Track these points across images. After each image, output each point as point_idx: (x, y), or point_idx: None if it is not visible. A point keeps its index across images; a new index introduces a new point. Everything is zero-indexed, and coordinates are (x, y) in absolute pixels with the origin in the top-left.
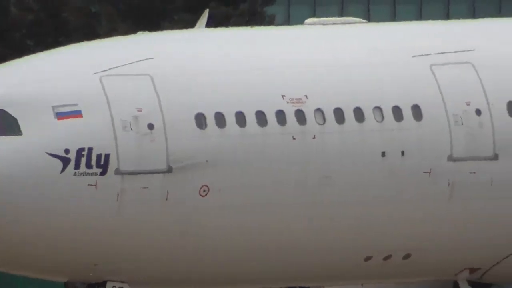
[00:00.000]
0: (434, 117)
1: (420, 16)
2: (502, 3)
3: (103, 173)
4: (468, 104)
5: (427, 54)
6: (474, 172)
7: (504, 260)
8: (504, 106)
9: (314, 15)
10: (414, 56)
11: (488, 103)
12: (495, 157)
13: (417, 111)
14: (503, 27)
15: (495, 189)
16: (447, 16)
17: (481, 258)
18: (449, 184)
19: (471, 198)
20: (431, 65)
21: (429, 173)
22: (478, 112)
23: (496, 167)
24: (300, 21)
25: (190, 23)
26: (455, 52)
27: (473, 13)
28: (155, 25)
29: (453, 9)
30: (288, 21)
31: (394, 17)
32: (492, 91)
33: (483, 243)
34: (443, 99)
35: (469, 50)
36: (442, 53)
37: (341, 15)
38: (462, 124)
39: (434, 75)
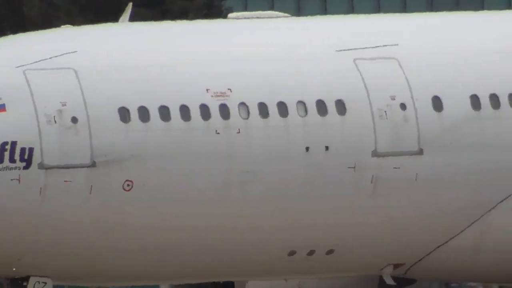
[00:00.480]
0: (358, 111)
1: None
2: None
3: (26, 167)
4: (392, 98)
5: (351, 49)
6: (398, 167)
7: (428, 255)
8: (429, 101)
9: (272, 8)
10: (338, 51)
11: (412, 98)
12: (420, 152)
13: (341, 105)
14: (428, 22)
15: (419, 184)
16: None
17: (405, 254)
18: (373, 179)
19: (395, 193)
20: (355, 60)
21: (354, 168)
22: (402, 106)
23: (421, 162)
24: None
25: (148, 18)
26: (380, 46)
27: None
28: (113, 19)
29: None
30: None
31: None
32: (417, 85)
33: (407, 238)
34: (367, 93)
35: (393, 45)
36: (367, 47)
37: (298, 12)
38: (386, 118)
39: (358, 70)
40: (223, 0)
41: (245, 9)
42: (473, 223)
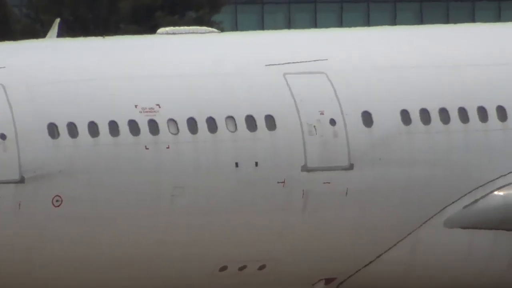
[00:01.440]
0: (288, 126)
1: (368, 23)
2: (449, 10)
3: None
4: (322, 113)
5: (281, 63)
6: (329, 182)
7: (360, 270)
8: (359, 116)
9: (262, 22)
10: (267, 65)
11: (342, 113)
12: (350, 167)
13: (270, 120)
14: (357, 36)
15: (350, 199)
16: (394, 23)
17: (336, 269)
18: (303, 195)
19: (326, 208)
20: (284, 74)
21: (283, 183)
22: (332, 121)
23: (351, 177)
24: (247, 29)
25: (136, 33)
26: (309, 61)
27: (421, 20)
28: (101, 35)
29: (399, 17)
30: (235, 29)
31: (340, 24)
32: (347, 100)
33: (338, 253)
34: (296, 108)
35: (323, 60)
36: (296, 62)
37: (288, 24)
38: (316, 133)
39: (288, 84)
40: (213, 14)
41: (235, 23)
42: (404, 237)
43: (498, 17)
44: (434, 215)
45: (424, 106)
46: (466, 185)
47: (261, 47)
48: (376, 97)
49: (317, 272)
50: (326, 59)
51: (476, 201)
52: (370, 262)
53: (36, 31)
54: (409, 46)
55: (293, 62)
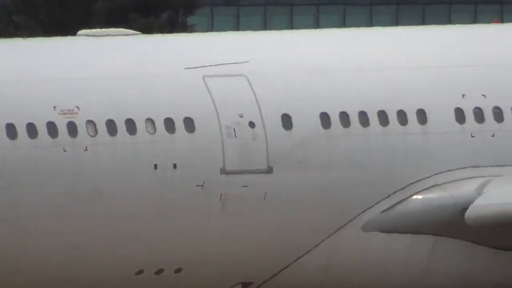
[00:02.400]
0: (207, 129)
1: (344, 25)
2: (425, 14)
3: None
4: (241, 116)
5: (200, 66)
6: (247, 186)
7: (277, 274)
8: (279, 119)
9: (237, 25)
10: (187, 68)
11: (261, 116)
12: (269, 170)
13: (189, 123)
14: (282, 39)
15: (268, 202)
16: (370, 25)
17: (253, 273)
18: (221, 197)
19: (243, 211)
20: (204, 77)
21: (202, 186)
22: (251, 124)
23: (270, 180)
24: (223, 31)
25: None
26: (229, 64)
27: (397, 24)
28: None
29: (375, 20)
30: (211, 31)
31: (317, 26)
32: (266, 103)
33: (255, 257)
34: (216, 111)
35: (243, 62)
36: (216, 65)
37: (264, 26)
38: (235, 136)
39: (207, 87)
40: (187, 16)
41: (212, 25)
42: (322, 241)
43: (474, 20)
44: (353, 218)
45: (344, 110)
46: (385, 188)
47: (181, 50)
48: (296, 100)
49: (234, 276)
50: (247, 62)
51: (394, 205)
52: (287, 266)
53: (10, 33)
54: (333, 49)
55: (213, 65)
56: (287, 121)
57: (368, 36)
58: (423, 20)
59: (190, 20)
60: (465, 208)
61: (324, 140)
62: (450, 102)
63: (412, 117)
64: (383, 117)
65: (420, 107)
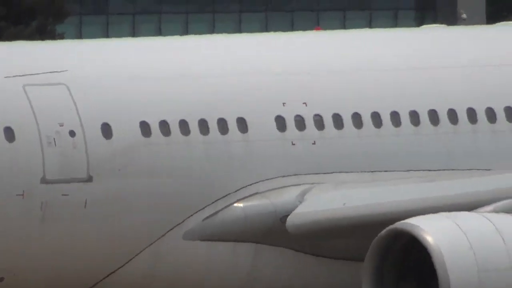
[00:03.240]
0: (27, 138)
1: (213, 31)
2: (294, 20)
3: None
4: (61, 125)
5: (21, 75)
6: (67, 194)
7: (99, 283)
8: (98, 127)
9: (107, 33)
10: (7, 77)
11: (82, 125)
12: (89, 179)
13: (9, 132)
14: (102, 47)
15: (88, 211)
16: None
17: (75, 281)
18: (42, 207)
19: (64, 220)
20: (24, 86)
21: (22, 195)
22: (72, 133)
23: (90, 189)
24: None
25: None
26: (50, 72)
27: (266, 30)
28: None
29: (244, 27)
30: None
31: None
32: (86, 112)
33: (77, 266)
34: (36, 120)
35: (63, 71)
36: (37, 73)
37: (133, 34)
38: (55, 145)
39: (27, 96)
40: (56, 24)
41: (80, 34)
42: (143, 250)
43: (343, 27)
44: (174, 227)
45: (164, 118)
46: (206, 197)
47: (2, 58)
48: (116, 108)
49: (55, 285)
50: (67, 70)
51: (215, 213)
52: (109, 275)
53: None
54: (157, 57)
55: (33, 74)
56: (107, 129)
57: (196, 44)
58: (292, 26)
59: (59, 28)
60: (286, 216)
61: (144, 149)
62: (271, 110)
63: (232, 125)
64: (203, 125)
65: (240, 115)
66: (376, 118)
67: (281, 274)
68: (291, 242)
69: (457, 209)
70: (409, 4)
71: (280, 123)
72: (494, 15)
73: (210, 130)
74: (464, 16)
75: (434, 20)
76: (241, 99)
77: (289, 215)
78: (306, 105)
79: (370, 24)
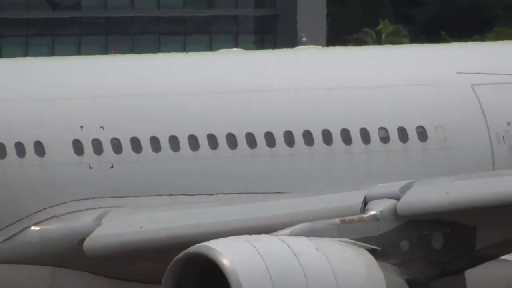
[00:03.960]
0: None
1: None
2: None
3: None
4: None
5: None
6: None
7: None
8: None
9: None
10: None
11: None
12: None
13: None
14: None
15: None
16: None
17: None
18: None
19: None
20: None
21: None
22: None
23: None
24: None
25: None
26: None
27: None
28: None
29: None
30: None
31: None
32: None
33: None
34: None
35: None
36: None
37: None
38: None
39: None
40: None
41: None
42: None
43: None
44: None
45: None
46: (2, 220)
47: None
48: None
49: None
50: None
51: (12, 236)
52: None
53: None
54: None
55: None
56: None
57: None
58: (132, 50)
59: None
60: (84, 239)
61: None
62: (69, 134)
63: (29, 149)
64: (0, 149)
65: (37, 139)
66: (174, 142)
67: None
68: (88, 265)
69: (255, 232)
70: (249, 28)
71: (78, 147)
72: (334, 38)
73: (8, 153)
74: (304, 39)
75: (274, 44)
76: (38, 123)
77: (86, 238)
78: (103, 129)
79: (211, 47)
